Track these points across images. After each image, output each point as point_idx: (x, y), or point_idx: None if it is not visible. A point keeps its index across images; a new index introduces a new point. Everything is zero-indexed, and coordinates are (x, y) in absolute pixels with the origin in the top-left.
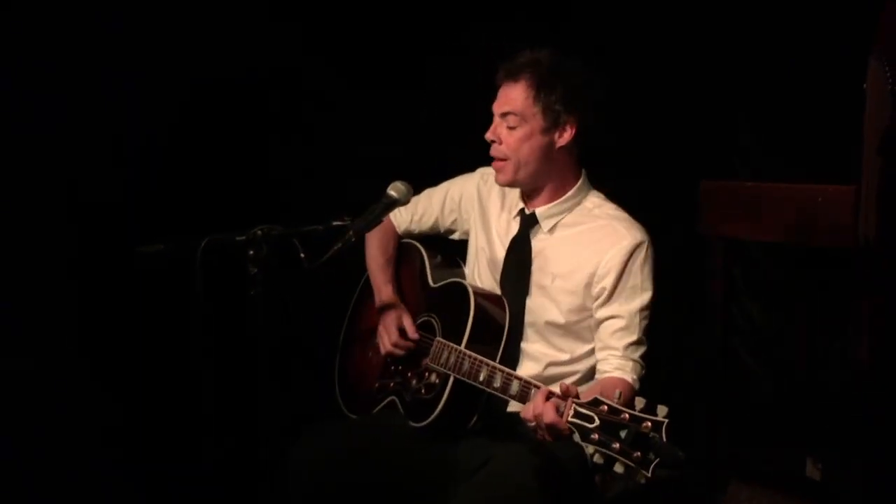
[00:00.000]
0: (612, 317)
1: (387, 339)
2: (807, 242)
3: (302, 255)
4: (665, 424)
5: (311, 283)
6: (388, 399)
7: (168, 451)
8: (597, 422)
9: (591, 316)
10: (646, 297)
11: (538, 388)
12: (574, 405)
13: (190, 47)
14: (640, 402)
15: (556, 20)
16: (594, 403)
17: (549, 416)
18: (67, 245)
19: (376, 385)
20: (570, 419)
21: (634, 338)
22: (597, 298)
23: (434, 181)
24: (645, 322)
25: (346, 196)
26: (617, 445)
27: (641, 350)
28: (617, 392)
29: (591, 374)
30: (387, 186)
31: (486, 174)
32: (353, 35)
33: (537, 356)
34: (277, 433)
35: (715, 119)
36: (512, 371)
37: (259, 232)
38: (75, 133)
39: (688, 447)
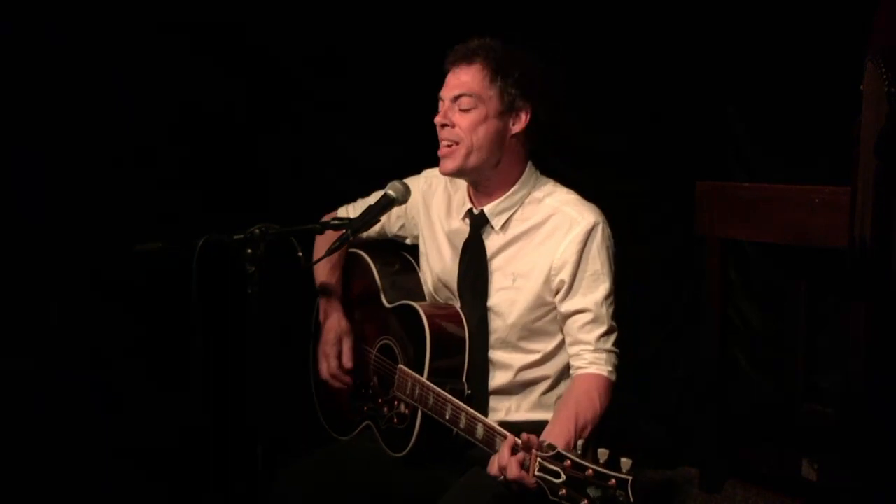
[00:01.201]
0: (578, 311)
1: (325, 366)
2: (803, 243)
3: (299, 253)
4: (630, 481)
5: (306, 281)
6: (364, 423)
7: (167, 450)
8: (563, 477)
9: (554, 309)
10: (608, 283)
11: (503, 436)
12: (539, 460)
13: (190, 46)
14: (602, 455)
15: (554, 21)
16: (558, 458)
17: (514, 472)
18: (67, 244)
19: (351, 407)
20: (536, 474)
21: (604, 328)
22: (557, 291)
23: None
24: (612, 309)
25: (344, 196)
26: (585, 503)
27: (613, 338)
28: (580, 443)
29: (562, 375)
30: (384, 186)
31: (429, 177)
32: (354, 36)
33: (506, 364)
34: (274, 431)
35: (712, 121)
36: (476, 413)
37: (257, 230)
38: (73, 133)
39: (684, 447)
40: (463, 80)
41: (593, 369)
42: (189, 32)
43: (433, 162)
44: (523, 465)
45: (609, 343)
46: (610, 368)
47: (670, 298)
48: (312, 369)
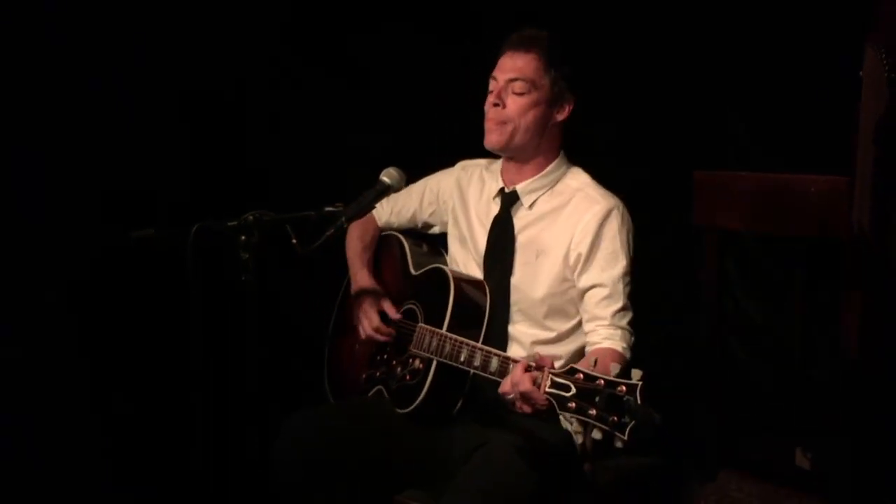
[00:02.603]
0: (595, 285)
1: (367, 323)
2: (800, 233)
3: (294, 240)
4: (639, 387)
5: (303, 269)
6: (375, 388)
7: (162, 439)
8: (573, 390)
9: (573, 287)
10: (625, 262)
11: (517, 362)
12: (550, 375)
13: (181, 38)
14: (614, 368)
15: (551, 11)
16: (570, 372)
17: (526, 384)
18: (57, 233)
19: (363, 376)
20: (547, 390)
21: (620, 305)
22: (575, 267)
23: (425, 171)
24: (628, 288)
25: (340, 184)
26: (593, 412)
27: (628, 317)
28: (592, 359)
29: (574, 358)
30: (380, 174)
31: (466, 166)
32: (345, 26)
33: (522, 338)
34: (269, 420)
35: (709, 110)
36: (491, 349)
37: (251, 217)
38: (64, 126)
39: (678, 439)
40: (518, 66)
41: (608, 344)
42: (187, 25)
43: (426, 154)
44: (535, 383)
45: (624, 321)
46: (624, 345)
47: (666, 289)
48: (329, 339)
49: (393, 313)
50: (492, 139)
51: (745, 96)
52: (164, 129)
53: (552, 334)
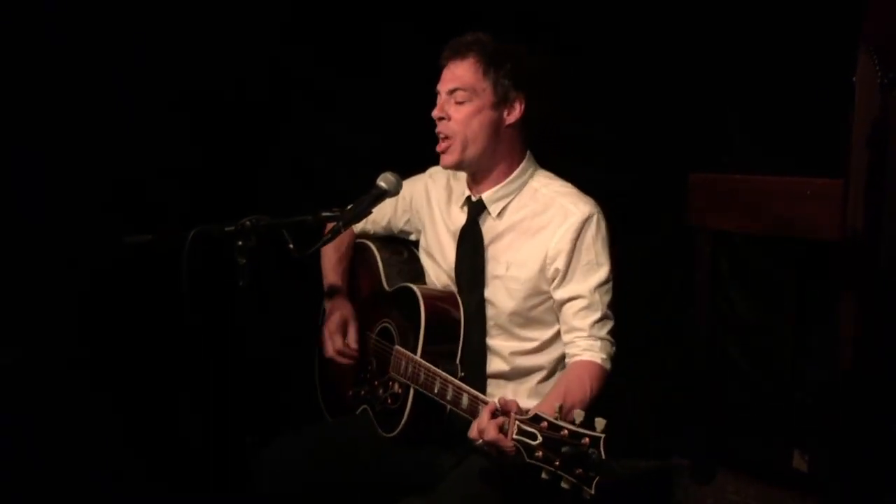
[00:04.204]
0: (572, 297)
1: (330, 345)
2: (794, 235)
3: (291, 245)
4: (602, 439)
5: (299, 273)
6: (361, 407)
7: (160, 440)
8: (539, 439)
9: (550, 298)
10: (603, 271)
11: (485, 403)
12: (517, 422)
13: (181, 38)
14: (578, 416)
15: (545, 13)
16: (535, 419)
17: (492, 433)
18: (56, 235)
19: (350, 393)
20: (514, 437)
21: (598, 315)
22: (552, 280)
23: (414, 173)
24: (607, 297)
25: (337, 188)
26: (558, 463)
27: (608, 326)
28: (557, 405)
29: (558, 365)
30: (376, 177)
31: (433, 173)
32: (337, 25)
33: (502, 350)
34: (264, 423)
35: (704, 112)
36: (462, 385)
37: (248, 222)
38: (64, 127)
39: (675, 438)
40: (457, 74)
41: (587, 356)
42: (187, 26)
43: (415, 151)
44: (502, 429)
45: (604, 331)
46: (604, 356)
47: (660, 288)
48: (317, 355)
49: (353, 340)
50: (445, 160)
51: (740, 100)
52: (163, 129)
53: (532, 344)
